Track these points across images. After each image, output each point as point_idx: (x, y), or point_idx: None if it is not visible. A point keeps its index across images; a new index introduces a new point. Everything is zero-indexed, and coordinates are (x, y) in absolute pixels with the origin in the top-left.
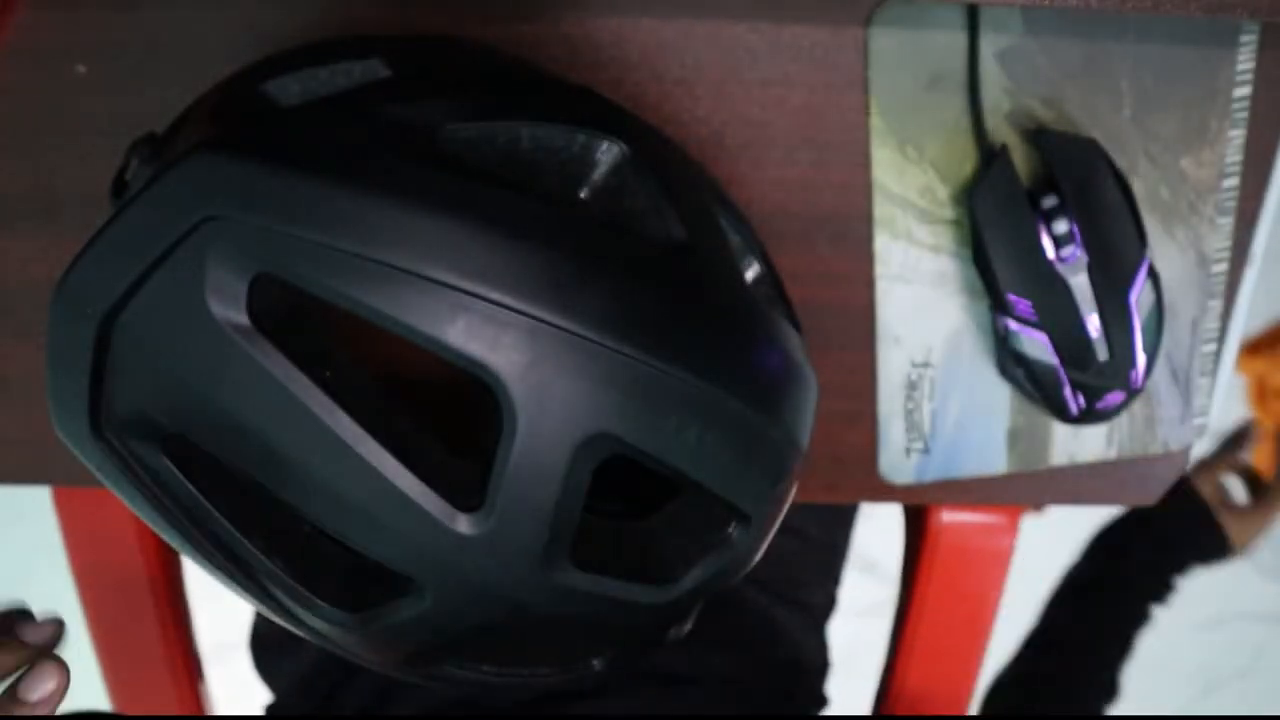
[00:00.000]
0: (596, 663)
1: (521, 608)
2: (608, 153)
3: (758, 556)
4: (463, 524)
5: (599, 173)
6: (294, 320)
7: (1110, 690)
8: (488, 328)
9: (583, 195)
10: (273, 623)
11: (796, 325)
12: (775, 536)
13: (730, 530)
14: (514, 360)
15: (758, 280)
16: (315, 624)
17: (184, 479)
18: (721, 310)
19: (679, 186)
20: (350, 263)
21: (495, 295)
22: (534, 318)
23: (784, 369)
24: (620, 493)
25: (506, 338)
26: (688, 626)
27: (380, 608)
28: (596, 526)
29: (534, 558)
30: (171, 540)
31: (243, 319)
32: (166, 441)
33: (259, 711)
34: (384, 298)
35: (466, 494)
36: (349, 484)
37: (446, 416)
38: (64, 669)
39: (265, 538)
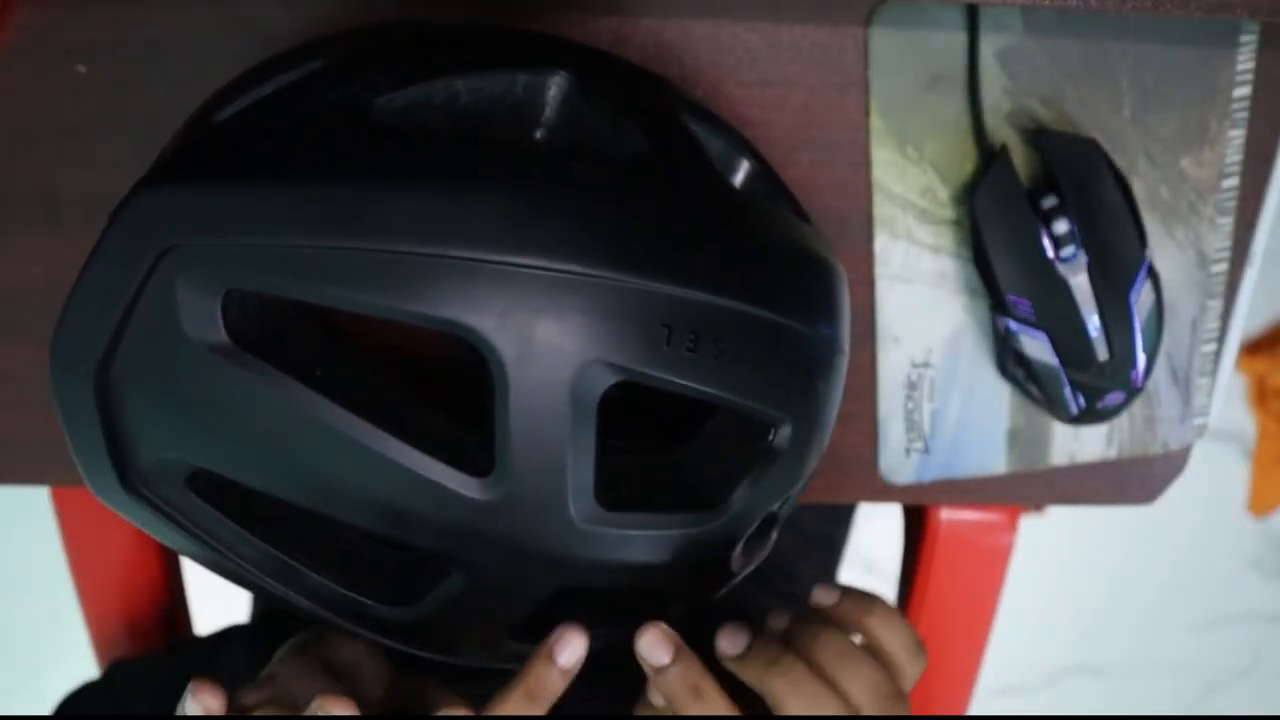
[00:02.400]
0: (670, 611)
1: (561, 564)
2: (552, 87)
3: (813, 459)
4: (479, 490)
5: (550, 109)
6: (281, 326)
7: None
8: (455, 286)
9: (538, 136)
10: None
11: (804, 218)
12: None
13: (771, 438)
14: (489, 311)
15: (751, 179)
16: (377, 627)
17: (217, 513)
18: (699, 212)
19: (635, 100)
20: (304, 256)
21: (453, 251)
22: (498, 263)
23: (790, 260)
24: (656, 428)
25: (476, 291)
26: (762, 554)
27: (427, 595)
28: (625, 465)
29: (559, 508)
30: (226, 577)
31: (222, 338)
32: (192, 479)
33: None
34: (345, 283)
35: (478, 461)
36: (360, 475)
37: (450, 388)
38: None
39: (308, 554)
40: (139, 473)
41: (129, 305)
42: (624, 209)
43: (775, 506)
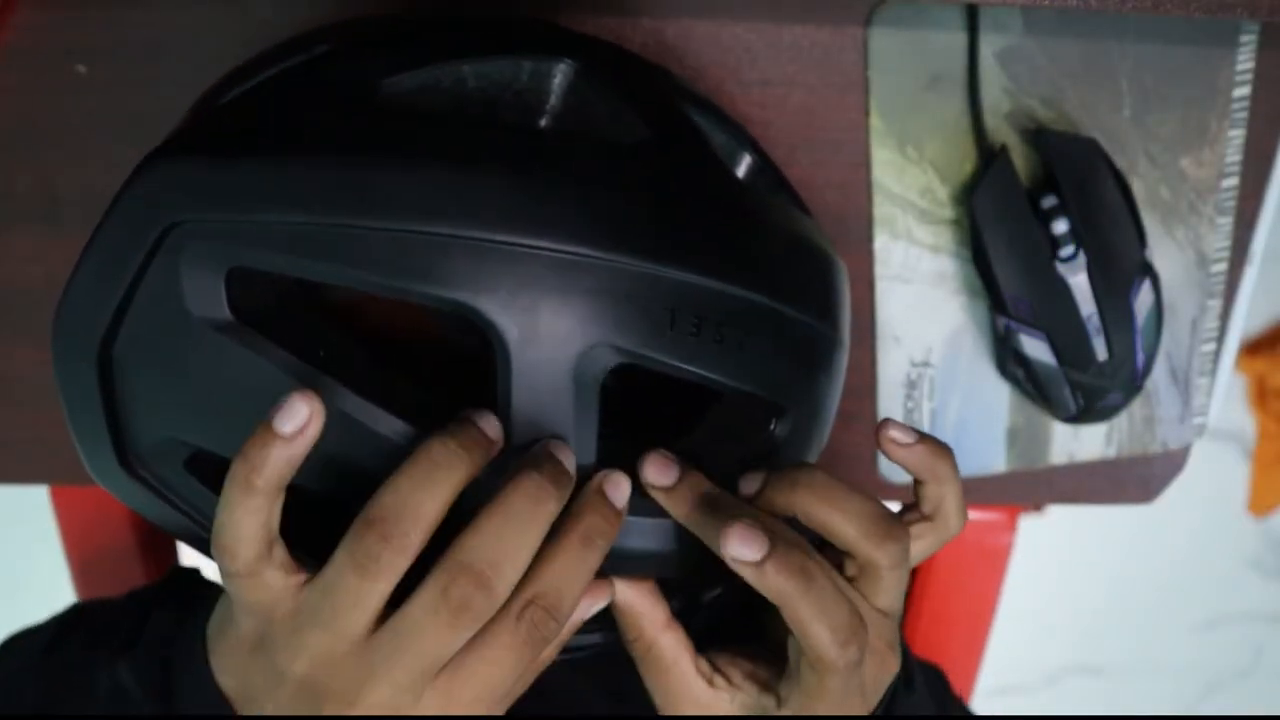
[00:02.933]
0: (672, 603)
1: None
2: (558, 74)
3: (814, 452)
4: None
5: (555, 97)
6: (284, 305)
7: None
8: (460, 266)
9: (543, 123)
10: None
11: (805, 212)
12: None
13: (772, 428)
14: (494, 292)
15: (753, 172)
16: None
17: (215, 496)
18: (704, 200)
19: (639, 89)
20: (309, 234)
21: (459, 231)
22: (504, 244)
23: (792, 251)
24: (658, 418)
25: (483, 271)
26: None
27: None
28: (627, 452)
29: None
30: None
31: (226, 316)
32: (191, 461)
33: None
34: (350, 261)
35: None
36: (362, 455)
37: (454, 368)
38: (315, 399)
39: (308, 540)
40: (138, 453)
41: (133, 282)
42: (630, 193)
43: None
